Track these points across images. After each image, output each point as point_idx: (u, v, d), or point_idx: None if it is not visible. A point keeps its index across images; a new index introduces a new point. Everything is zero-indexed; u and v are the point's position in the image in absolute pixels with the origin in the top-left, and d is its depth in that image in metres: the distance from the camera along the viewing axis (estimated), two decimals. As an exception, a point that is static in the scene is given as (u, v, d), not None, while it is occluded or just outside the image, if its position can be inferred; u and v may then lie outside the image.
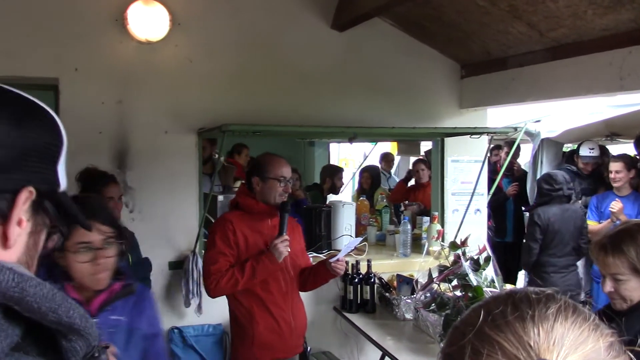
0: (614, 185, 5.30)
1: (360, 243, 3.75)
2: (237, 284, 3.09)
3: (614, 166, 5.29)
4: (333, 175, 6.68)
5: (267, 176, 3.19)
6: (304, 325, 3.39)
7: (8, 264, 0.70)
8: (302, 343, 3.40)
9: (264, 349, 3.19)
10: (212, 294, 3.19)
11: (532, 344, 0.74)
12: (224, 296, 3.26)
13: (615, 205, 5.08)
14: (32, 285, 0.70)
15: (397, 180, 8.18)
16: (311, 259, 4.29)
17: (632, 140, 5.60)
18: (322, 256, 4.42)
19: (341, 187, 6.79)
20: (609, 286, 2.04)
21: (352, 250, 3.62)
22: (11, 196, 0.79)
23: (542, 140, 6.36)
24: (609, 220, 5.15)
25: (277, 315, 3.20)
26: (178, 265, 4.30)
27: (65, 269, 1.93)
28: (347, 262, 4.15)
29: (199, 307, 4.25)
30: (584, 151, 5.88)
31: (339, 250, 4.61)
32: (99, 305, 2.03)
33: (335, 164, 10.31)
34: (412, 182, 7.09)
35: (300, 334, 3.36)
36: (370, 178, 7.34)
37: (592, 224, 5.34)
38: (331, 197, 6.75)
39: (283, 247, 3.09)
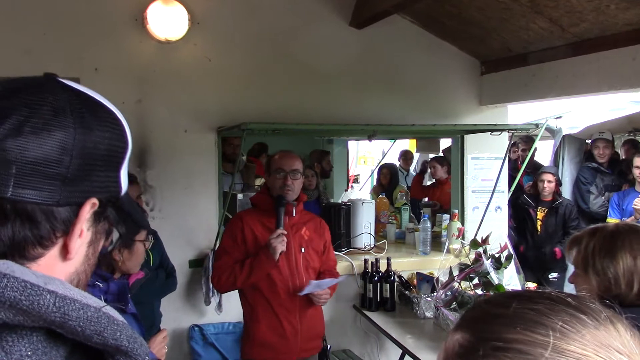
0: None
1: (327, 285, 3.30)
2: (235, 281, 3.10)
3: None
4: (321, 159, 6.68)
5: (270, 170, 3.24)
6: (316, 327, 3.33)
7: (50, 286, 0.67)
8: (315, 346, 3.34)
9: (264, 349, 3.18)
10: (217, 290, 3.51)
11: (617, 349, 0.74)
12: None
13: (639, 202, 5.00)
14: (74, 308, 0.66)
15: (415, 177, 8.20)
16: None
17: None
18: (341, 254, 4.41)
19: (330, 170, 6.80)
20: (571, 277, 2.10)
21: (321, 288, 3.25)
22: (75, 208, 0.75)
23: (564, 136, 6.30)
24: (632, 217, 5.08)
25: (282, 316, 3.17)
26: (198, 264, 4.32)
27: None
28: (366, 260, 4.17)
29: (219, 305, 4.27)
30: (595, 135, 5.88)
31: (359, 249, 4.64)
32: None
33: (354, 159, 10.36)
34: (431, 181, 7.10)
35: (309, 337, 3.28)
36: (389, 174, 7.32)
37: (614, 222, 5.28)
38: (346, 194, 6.74)
39: (277, 243, 3.03)
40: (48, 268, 0.74)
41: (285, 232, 3.09)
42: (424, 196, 6.69)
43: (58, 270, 0.76)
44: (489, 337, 0.77)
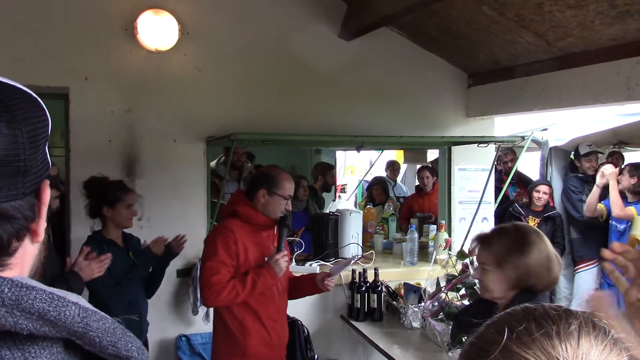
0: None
1: (353, 260, 3.77)
2: (237, 297, 3.05)
3: None
4: (325, 172, 6.60)
5: (276, 192, 3.15)
6: (286, 335, 3.42)
7: (71, 298, 0.70)
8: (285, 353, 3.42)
9: None
10: (210, 305, 3.29)
11: (559, 359, 0.76)
12: None
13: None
14: (95, 319, 0.70)
15: (403, 188, 8.17)
16: (317, 267, 4.33)
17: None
18: (329, 264, 4.43)
19: (333, 184, 6.73)
20: (477, 274, 2.37)
21: (344, 268, 3.60)
22: (36, 193, 0.77)
23: (551, 149, 6.36)
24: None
25: (269, 327, 3.18)
26: (186, 273, 4.31)
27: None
28: (354, 271, 4.19)
29: (207, 314, 4.25)
30: (584, 149, 5.94)
31: (345, 258, 4.64)
32: None
33: (342, 169, 10.35)
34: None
35: (286, 345, 3.38)
36: (383, 190, 7.13)
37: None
38: (333, 204, 6.73)
39: (284, 263, 3.10)
40: (23, 256, 0.76)
41: (287, 253, 3.18)
42: (417, 208, 6.54)
43: (29, 255, 0.78)
44: (474, 336, 0.87)
